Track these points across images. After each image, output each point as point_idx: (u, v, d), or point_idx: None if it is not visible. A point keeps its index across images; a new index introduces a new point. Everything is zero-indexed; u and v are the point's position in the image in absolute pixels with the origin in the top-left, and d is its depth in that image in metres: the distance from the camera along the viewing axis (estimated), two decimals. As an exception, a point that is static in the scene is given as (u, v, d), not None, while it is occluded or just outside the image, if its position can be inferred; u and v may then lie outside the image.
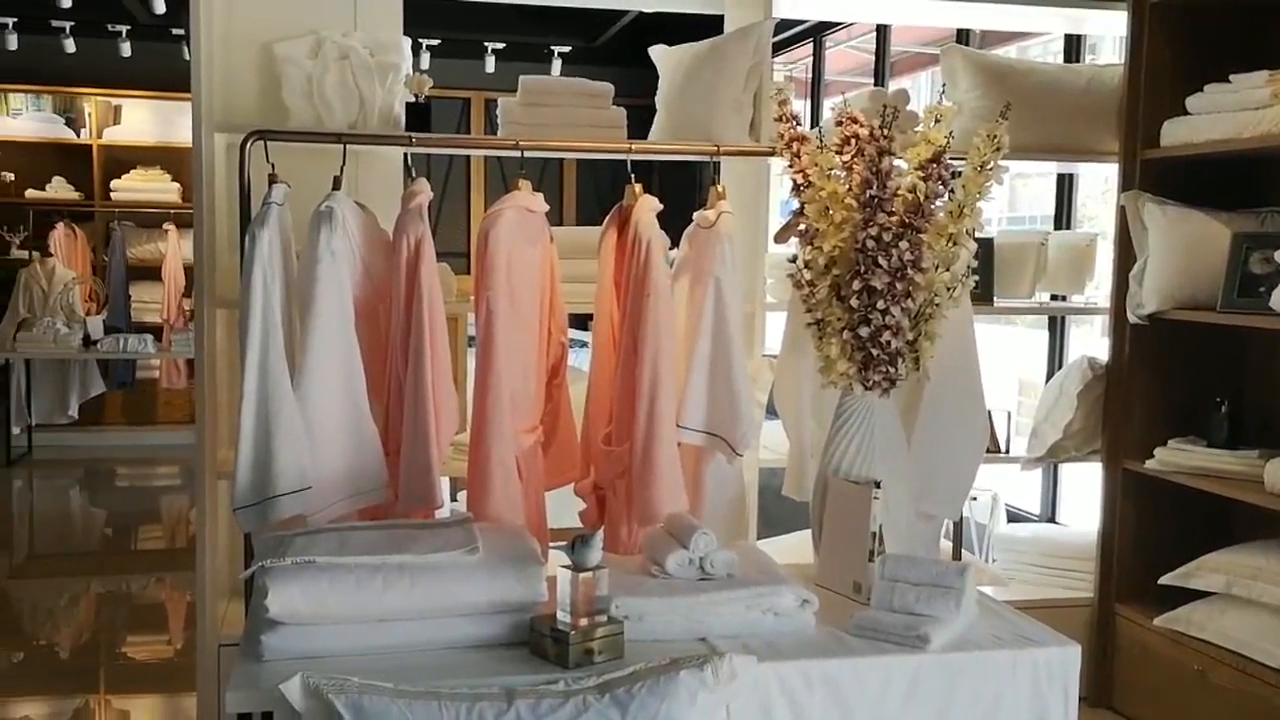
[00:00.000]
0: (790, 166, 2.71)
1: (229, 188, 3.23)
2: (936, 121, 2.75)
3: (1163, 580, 3.62)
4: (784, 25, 7.38)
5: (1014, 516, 5.15)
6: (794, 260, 2.67)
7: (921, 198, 2.52)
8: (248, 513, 2.42)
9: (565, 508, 3.13)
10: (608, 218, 2.88)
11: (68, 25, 8.27)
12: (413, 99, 3.40)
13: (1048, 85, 3.92)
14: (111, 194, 8.69)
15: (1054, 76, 3.98)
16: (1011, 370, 5.96)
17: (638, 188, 2.82)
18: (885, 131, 2.53)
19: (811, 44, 7.45)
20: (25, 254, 8.33)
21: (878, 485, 2.50)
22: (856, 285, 2.53)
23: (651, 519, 2.58)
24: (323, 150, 2.98)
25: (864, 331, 2.54)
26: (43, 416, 8.31)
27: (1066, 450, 3.91)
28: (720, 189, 2.88)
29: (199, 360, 3.13)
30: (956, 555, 3.55)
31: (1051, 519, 5.15)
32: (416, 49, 8.19)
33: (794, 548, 3.64)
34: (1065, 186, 5.00)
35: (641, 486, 2.60)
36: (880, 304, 2.52)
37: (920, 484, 2.75)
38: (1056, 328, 5.07)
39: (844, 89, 6.70)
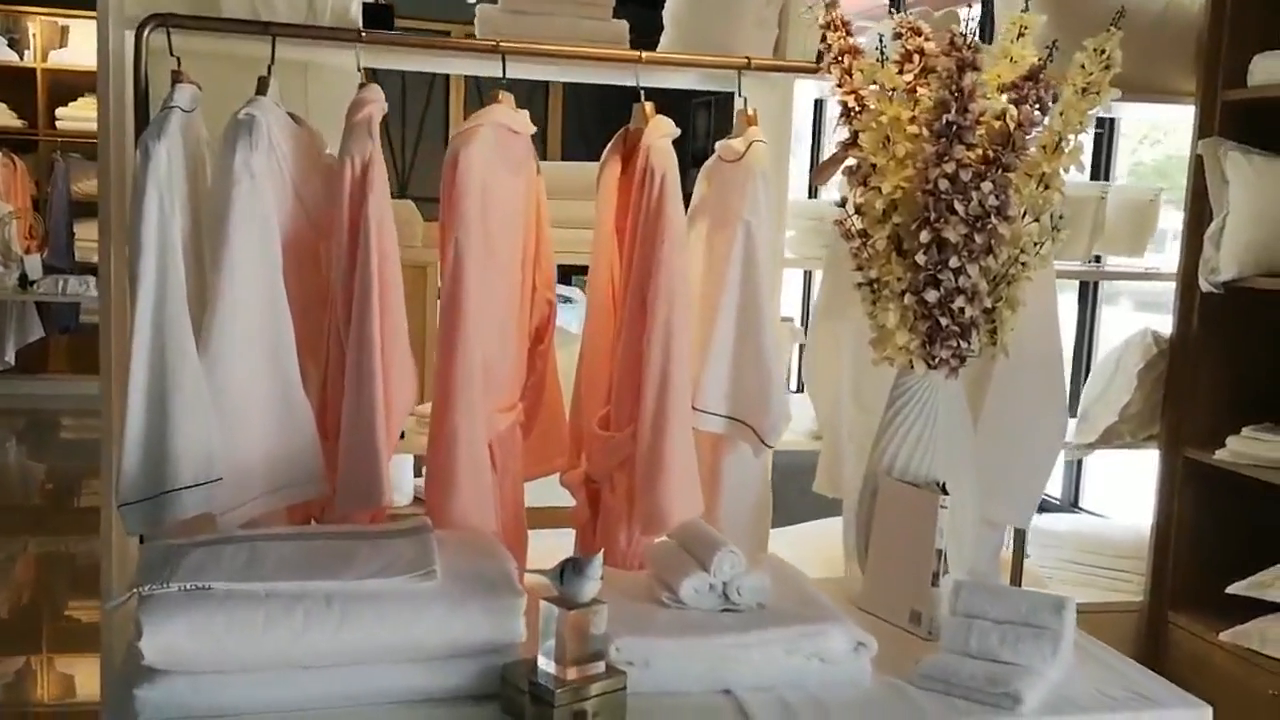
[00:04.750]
0: (840, 86, 2.17)
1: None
2: (1021, 35, 2.22)
3: (1231, 589, 3.14)
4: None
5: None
6: (842, 204, 2.14)
7: (1013, 126, 1.98)
8: (136, 510, 1.86)
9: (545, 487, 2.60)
10: (609, 146, 2.32)
11: (9, -63, 7.60)
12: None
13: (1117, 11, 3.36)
14: (57, 123, 8.15)
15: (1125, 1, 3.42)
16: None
17: (648, 107, 2.26)
18: (969, 41, 1.99)
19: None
20: (-43, 185, 7.72)
21: (944, 490, 1.98)
22: (925, 237, 1.99)
23: (659, 526, 2.05)
24: (262, 63, 2.39)
25: (931, 296, 2.01)
26: (-24, 362, 7.76)
27: (1121, 435, 3.41)
28: (751, 113, 2.32)
29: (104, 308, 2.57)
30: (1017, 572, 3.02)
31: (1074, 505, 4.66)
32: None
33: (803, 543, 3.12)
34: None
35: (648, 484, 2.06)
36: (954, 261, 1.99)
37: (985, 485, 2.23)
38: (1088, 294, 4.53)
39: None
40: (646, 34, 3.05)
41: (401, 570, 1.61)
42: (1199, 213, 3.29)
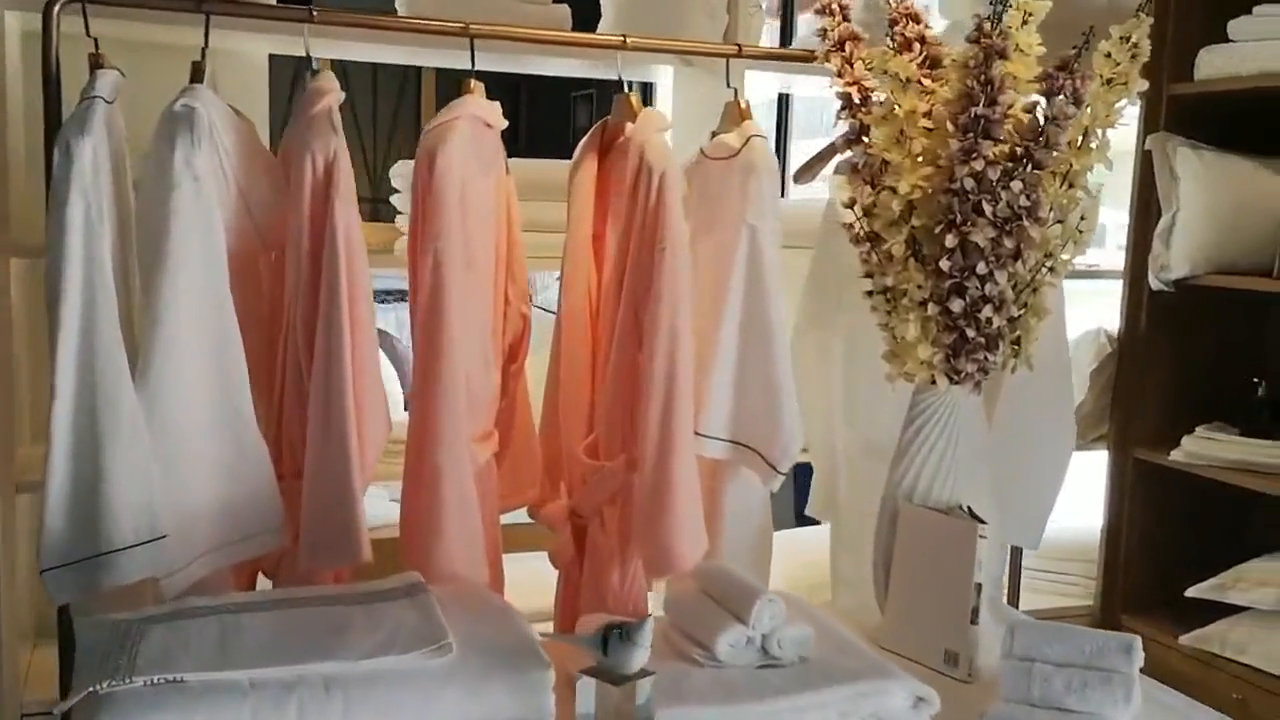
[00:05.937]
0: (840, 76, 1.98)
1: (31, 85, 2.29)
2: (1025, 22, 2.07)
3: (1191, 592, 3.07)
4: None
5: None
6: (850, 205, 1.95)
7: (1045, 120, 1.82)
8: (63, 576, 1.55)
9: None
10: (584, 142, 2.08)
11: None
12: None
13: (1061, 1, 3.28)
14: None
15: (1068, -9, 3.34)
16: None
17: (634, 98, 2.03)
18: (996, 26, 1.82)
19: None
20: None
21: (978, 518, 1.82)
22: (950, 241, 1.82)
23: (665, 566, 1.83)
24: (184, 51, 2.07)
25: (956, 305, 1.84)
26: None
27: (1073, 437, 3.32)
28: (744, 105, 2.11)
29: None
30: (1014, 594, 2.88)
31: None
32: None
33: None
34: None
35: (652, 520, 1.83)
36: (981, 267, 1.83)
37: (995, 503, 2.08)
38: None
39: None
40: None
41: (410, 644, 1.36)
42: (1146, 208, 3.23)
